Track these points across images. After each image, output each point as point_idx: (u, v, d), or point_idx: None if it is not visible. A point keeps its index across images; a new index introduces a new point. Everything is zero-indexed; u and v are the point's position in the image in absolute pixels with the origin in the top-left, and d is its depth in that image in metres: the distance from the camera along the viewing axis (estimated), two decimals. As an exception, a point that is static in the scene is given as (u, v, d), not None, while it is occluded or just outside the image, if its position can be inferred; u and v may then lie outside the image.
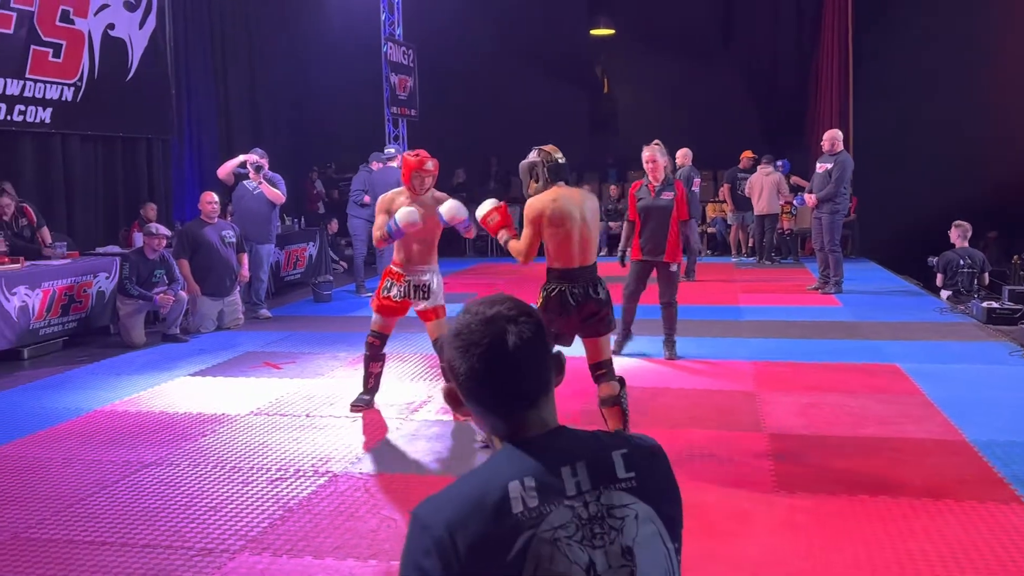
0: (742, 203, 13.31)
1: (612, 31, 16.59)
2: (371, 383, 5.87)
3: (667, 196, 6.95)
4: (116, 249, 9.28)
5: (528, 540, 1.31)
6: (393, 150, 10.78)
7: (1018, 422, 5.27)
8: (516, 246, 4.72)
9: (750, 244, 13.71)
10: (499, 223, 4.82)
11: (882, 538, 3.75)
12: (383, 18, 14.00)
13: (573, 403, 5.49)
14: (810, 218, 11.04)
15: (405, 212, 5.35)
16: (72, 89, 9.43)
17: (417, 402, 6.01)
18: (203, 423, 5.59)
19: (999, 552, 3.60)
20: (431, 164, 5.55)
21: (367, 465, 4.83)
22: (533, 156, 4.73)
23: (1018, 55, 13.56)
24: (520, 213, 4.82)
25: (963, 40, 13.56)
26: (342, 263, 13.24)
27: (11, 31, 8.53)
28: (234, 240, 8.83)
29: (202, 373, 6.95)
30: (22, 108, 8.76)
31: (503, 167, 16.62)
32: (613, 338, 7.04)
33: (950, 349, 7.27)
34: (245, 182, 9.29)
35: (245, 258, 9.01)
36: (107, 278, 8.40)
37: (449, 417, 5.64)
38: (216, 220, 8.75)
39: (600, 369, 4.71)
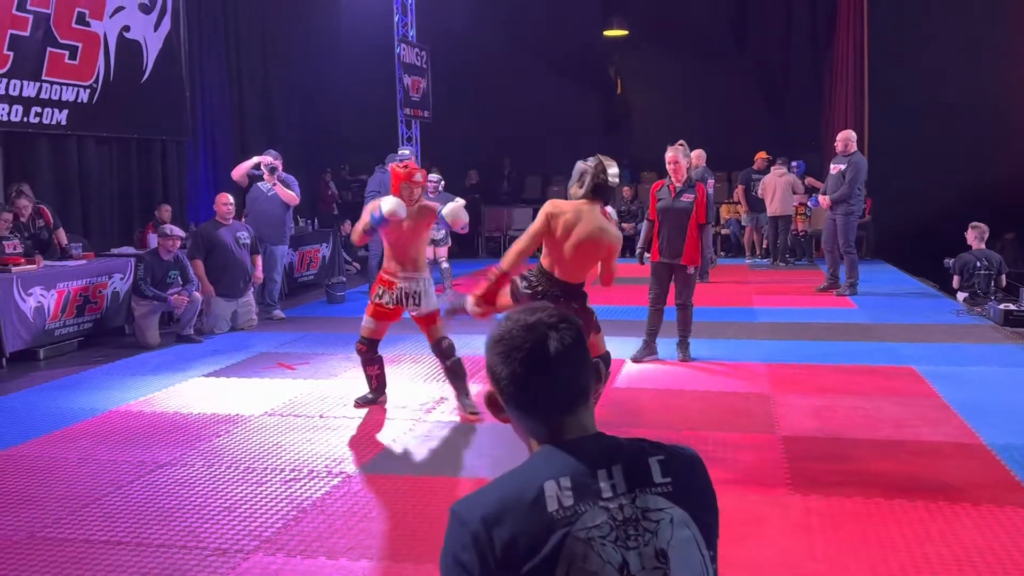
0: (756, 204, 13.26)
1: (625, 32, 16.56)
2: (374, 384, 5.94)
3: (687, 198, 6.89)
4: (131, 250, 9.33)
5: (562, 538, 1.34)
6: (407, 152, 10.80)
7: (1035, 425, 5.23)
8: (517, 245, 4.87)
9: (764, 245, 13.66)
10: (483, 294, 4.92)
11: (897, 541, 3.73)
12: (396, 20, 14.02)
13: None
14: (824, 219, 10.99)
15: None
16: (88, 91, 9.49)
17: (430, 403, 6.01)
18: (217, 424, 5.61)
19: (1016, 556, 3.57)
20: (419, 176, 5.66)
21: (381, 466, 4.83)
22: (590, 162, 4.81)
23: (1035, 55, 13.47)
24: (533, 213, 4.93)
25: (979, 40, 13.47)
26: (355, 264, 13.27)
27: (27, 33, 8.59)
28: (248, 241, 8.87)
29: (216, 374, 6.98)
30: (38, 110, 8.82)
31: (516, 168, 16.63)
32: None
33: (966, 351, 7.22)
34: (259, 183, 9.33)
35: (259, 259, 9.04)
36: (122, 279, 8.45)
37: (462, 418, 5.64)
38: (231, 221, 8.79)
39: None
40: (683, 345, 7.11)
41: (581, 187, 4.78)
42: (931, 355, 7.06)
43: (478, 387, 6.34)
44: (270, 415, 5.78)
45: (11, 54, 8.39)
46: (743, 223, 14.20)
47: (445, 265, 10.64)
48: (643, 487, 1.41)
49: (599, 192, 4.75)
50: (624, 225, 14.35)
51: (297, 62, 14.29)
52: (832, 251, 10.19)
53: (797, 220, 13.27)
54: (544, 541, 1.33)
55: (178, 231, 8.50)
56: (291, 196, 9.33)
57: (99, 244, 9.50)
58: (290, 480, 4.60)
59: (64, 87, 9.13)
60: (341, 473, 4.71)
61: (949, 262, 9.57)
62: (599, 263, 4.89)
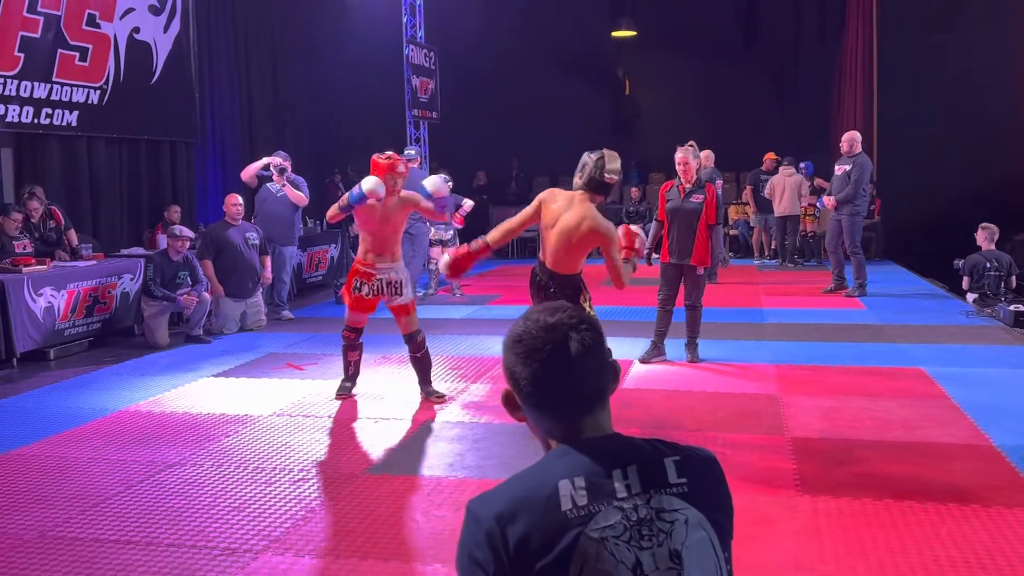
0: (764, 205, 13.24)
1: (634, 33, 16.54)
2: (351, 370, 6.18)
3: (696, 199, 6.88)
4: (140, 251, 9.37)
5: (575, 537, 1.34)
6: (413, 152, 10.80)
7: (1046, 427, 5.20)
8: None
9: (772, 246, 13.63)
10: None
11: (907, 543, 3.71)
12: (405, 21, 14.04)
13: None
14: (829, 220, 10.96)
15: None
16: (98, 92, 9.53)
17: (438, 403, 6.01)
18: (226, 424, 5.62)
19: (1027, 558, 3.56)
20: (402, 166, 5.78)
21: (389, 466, 4.84)
22: (594, 156, 4.90)
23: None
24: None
25: (989, 39, 13.42)
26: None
27: (38, 35, 8.63)
28: (257, 242, 8.89)
29: (225, 374, 7.00)
30: (49, 111, 8.86)
31: (524, 169, 16.63)
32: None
33: (976, 353, 7.19)
34: (268, 184, 9.35)
35: (268, 260, 9.07)
36: (131, 279, 8.48)
37: (471, 418, 5.65)
38: (240, 222, 8.81)
39: None
40: (691, 346, 7.10)
41: (581, 178, 4.87)
42: (940, 356, 7.04)
43: (488, 386, 6.35)
44: (279, 415, 5.80)
45: (22, 56, 8.44)
46: (751, 224, 14.18)
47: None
48: (658, 488, 1.41)
49: (595, 187, 4.83)
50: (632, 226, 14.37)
51: (306, 63, 14.32)
52: (836, 252, 10.16)
53: (805, 221, 13.24)
54: (558, 540, 1.33)
55: (187, 232, 8.53)
56: (300, 197, 9.35)
57: (109, 245, 9.54)
58: (299, 480, 4.61)
59: (74, 88, 9.17)
60: (350, 473, 4.71)
61: (959, 263, 9.53)
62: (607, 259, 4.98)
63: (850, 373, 6.59)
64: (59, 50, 8.91)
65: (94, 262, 8.29)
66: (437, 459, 4.93)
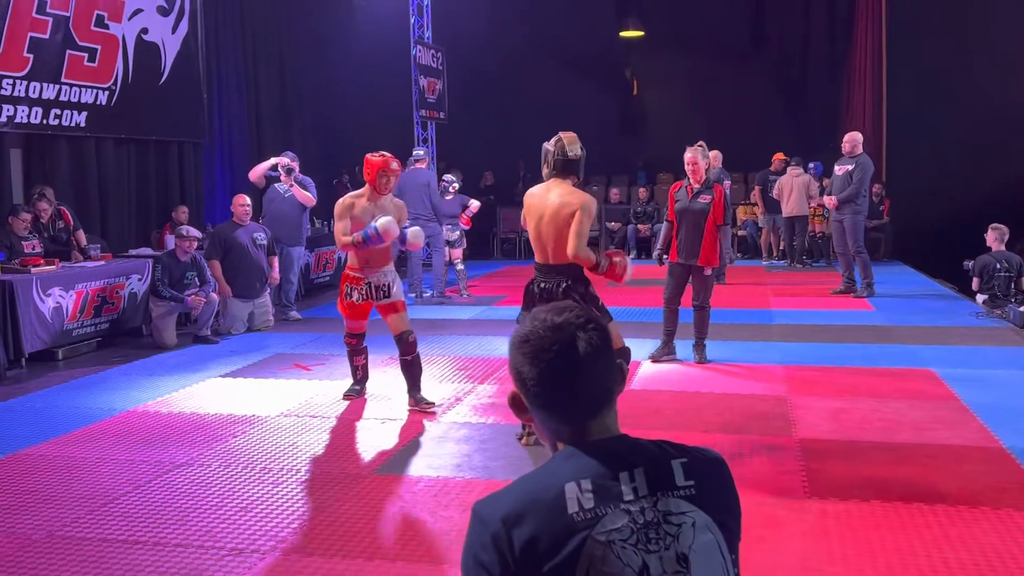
0: (773, 205, 13.20)
1: (641, 32, 16.52)
2: (359, 374, 6.17)
3: (704, 199, 6.88)
4: (148, 251, 9.39)
5: (582, 541, 1.33)
6: (422, 152, 10.81)
7: (1056, 429, 5.17)
8: None
9: (781, 247, 13.60)
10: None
11: (916, 546, 3.69)
12: (412, 21, 14.06)
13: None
14: (832, 221, 10.91)
15: (386, 222, 5.52)
16: (106, 93, 9.56)
17: (446, 404, 6.01)
18: (234, 424, 5.63)
19: (1037, 561, 3.53)
20: (396, 164, 5.76)
21: (396, 467, 4.83)
22: (552, 142, 4.88)
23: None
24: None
25: (998, 38, 13.36)
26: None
27: (47, 36, 8.66)
28: (265, 242, 8.91)
29: (233, 374, 7.00)
30: (58, 112, 8.89)
31: (531, 170, 16.58)
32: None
33: (986, 354, 7.16)
34: (276, 185, 9.36)
35: (276, 260, 9.08)
36: (139, 280, 8.50)
37: (478, 419, 5.64)
38: (248, 222, 8.83)
39: None
40: (699, 347, 7.08)
41: (548, 167, 4.86)
42: (950, 358, 7.01)
43: (495, 387, 6.35)
44: (286, 416, 5.80)
45: (31, 56, 8.47)
46: (760, 224, 14.14)
47: (460, 267, 10.65)
48: (665, 490, 1.40)
49: (562, 168, 4.84)
50: (640, 227, 14.36)
51: (313, 63, 14.35)
52: (845, 254, 10.13)
53: (814, 221, 13.20)
54: (564, 543, 1.33)
55: (195, 232, 8.55)
56: (308, 197, 9.36)
57: (117, 245, 9.56)
58: (306, 481, 4.61)
59: (83, 89, 9.20)
60: (357, 474, 4.71)
61: (968, 264, 9.49)
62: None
63: (859, 374, 6.57)
64: (68, 51, 8.94)
65: (102, 262, 8.32)
66: (444, 460, 4.93)
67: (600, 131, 15.38)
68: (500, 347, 7.55)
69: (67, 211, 8.68)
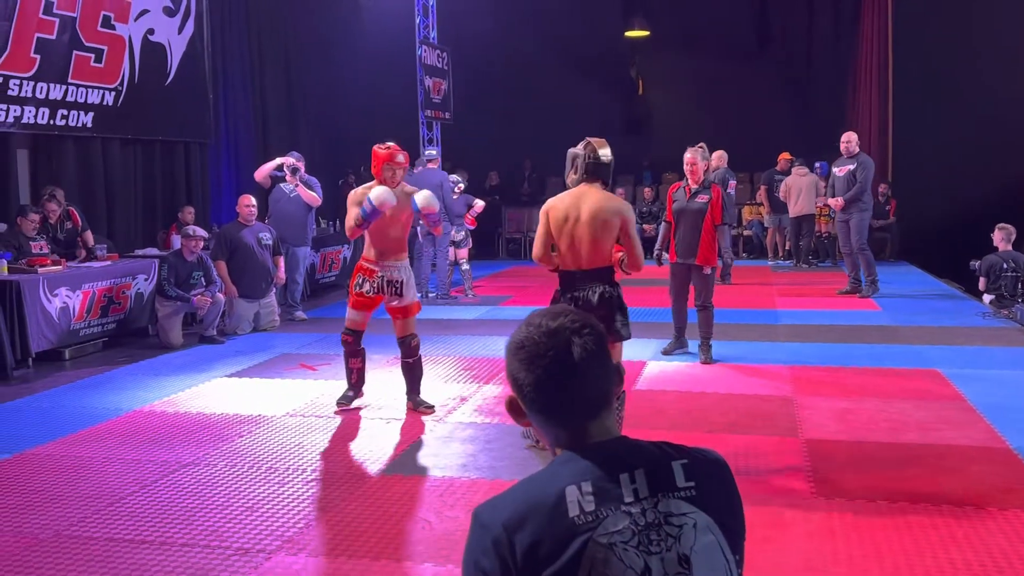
0: (778, 205, 13.17)
1: (647, 32, 16.50)
2: (354, 379, 5.96)
3: (701, 199, 6.92)
4: (155, 251, 9.41)
5: (583, 544, 1.33)
6: (433, 151, 10.82)
7: (1064, 429, 5.15)
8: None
9: (787, 247, 13.57)
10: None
11: (923, 547, 3.69)
12: (418, 21, 14.06)
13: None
14: (837, 222, 10.87)
15: (380, 191, 5.42)
16: (113, 93, 9.58)
17: (451, 404, 6.01)
18: (239, 424, 5.64)
19: (1044, 562, 3.52)
20: (402, 156, 5.64)
21: (401, 467, 4.84)
22: (580, 146, 4.76)
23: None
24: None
25: (1005, 38, 13.31)
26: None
27: (54, 36, 8.68)
28: (270, 243, 8.92)
29: (238, 374, 7.02)
30: (64, 112, 8.91)
31: (537, 169, 16.61)
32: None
33: (993, 354, 7.14)
34: (282, 185, 9.38)
35: (281, 260, 9.09)
36: (146, 280, 8.52)
37: (483, 419, 5.65)
38: (253, 223, 8.84)
39: None
40: (705, 347, 7.08)
41: (576, 172, 4.73)
42: (956, 358, 6.99)
43: (501, 387, 6.35)
44: (292, 416, 5.81)
45: (38, 57, 8.49)
46: (766, 224, 14.12)
47: (466, 267, 10.66)
48: (666, 491, 1.40)
49: (596, 172, 4.70)
50: (645, 227, 14.34)
51: (319, 64, 14.36)
52: (851, 254, 10.10)
53: (820, 221, 13.17)
54: (565, 546, 1.33)
55: (201, 232, 8.56)
56: (313, 197, 9.37)
57: (123, 245, 9.58)
58: (312, 480, 4.62)
59: (90, 90, 9.22)
60: (362, 473, 4.72)
61: (975, 264, 9.46)
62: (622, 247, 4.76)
63: (865, 374, 6.56)
64: (74, 51, 8.96)
65: (109, 263, 8.34)
66: (449, 460, 4.93)
67: (605, 131, 15.13)
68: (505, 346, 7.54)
69: (76, 212, 8.71)
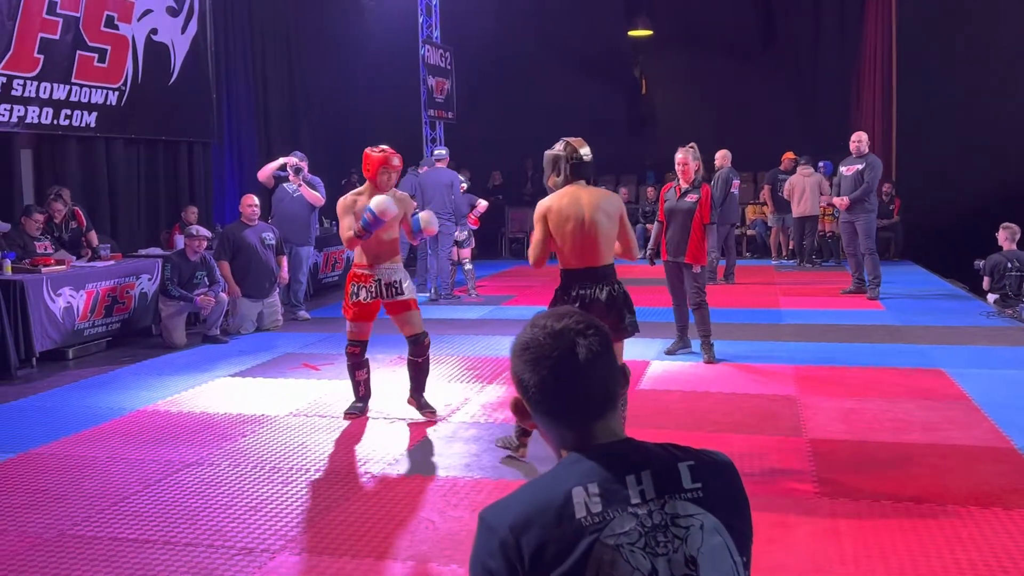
0: (782, 205, 13.15)
1: (650, 32, 16.49)
2: (361, 391, 5.81)
3: (691, 199, 6.99)
4: (158, 251, 9.42)
5: (590, 545, 1.33)
6: (443, 151, 10.81)
7: (1069, 429, 5.14)
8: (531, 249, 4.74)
9: (790, 246, 13.55)
10: None
11: (927, 547, 3.68)
12: (420, 21, 14.07)
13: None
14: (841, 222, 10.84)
15: (380, 200, 5.24)
16: (116, 94, 9.59)
17: (455, 404, 6.01)
18: (243, 423, 5.64)
19: (1050, 562, 3.51)
20: (397, 160, 5.49)
21: (405, 466, 4.84)
22: (559, 148, 4.67)
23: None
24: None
25: (1009, 38, 13.29)
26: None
27: (57, 36, 8.69)
28: (274, 242, 8.92)
29: (242, 374, 7.02)
30: (68, 112, 8.92)
31: (539, 169, 16.53)
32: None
33: (997, 354, 7.12)
34: (285, 185, 9.38)
35: (284, 260, 9.09)
36: (149, 280, 8.53)
37: (487, 419, 5.64)
38: (256, 222, 8.84)
39: None
40: (706, 346, 7.08)
41: (559, 174, 4.65)
42: (961, 357, 6.97)
43: (504, 387, 6.34)
44: (295, 415, 5.81)
45: (41, 57, 8.50)
46: (769, 224, 14.10)
47: (468, 267, 10.65)
48: (673, 493, 1.39)
49: (580, 171, 4.64)
50: (648, 226, 14.33)
51: (322, 63, 14.37)
52: (855, 254, 10.08)
53: (824, 221, 13.15)
54: (572, 548, 1.32)
55: (204, 232, 8.57)
56: (316, 197, 9.37)
57: (127, 245, 9.60)
58: (315, 480, 4.62)
59: (93, 90, 9.23)
60: (366, 473, 4.72)
61: (979, 263, 9.44)
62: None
63: (869, 374, 6.54)
64: (78, 51, 8.97)
65: (112, 262, 8.34)
66: (453, 459, 4.93)
67: (608, 131, 15.37)
68: (508, 347, 7.54)
69: (81, 212, 8.72)
